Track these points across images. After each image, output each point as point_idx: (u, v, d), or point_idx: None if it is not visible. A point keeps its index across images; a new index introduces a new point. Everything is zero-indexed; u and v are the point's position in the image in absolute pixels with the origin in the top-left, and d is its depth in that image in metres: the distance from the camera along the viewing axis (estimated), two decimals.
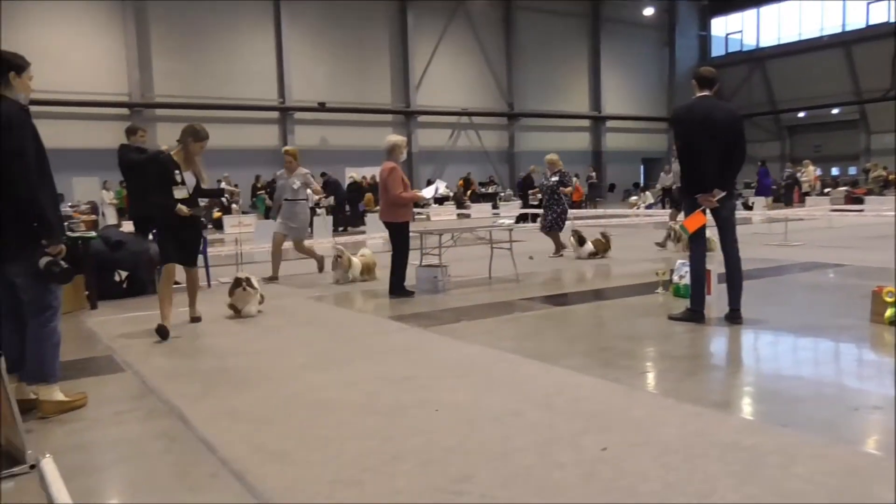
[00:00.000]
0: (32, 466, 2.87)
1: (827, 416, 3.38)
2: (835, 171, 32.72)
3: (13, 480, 2.88)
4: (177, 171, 5.75)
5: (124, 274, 7.88)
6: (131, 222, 9.07)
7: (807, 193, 21.83)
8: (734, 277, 5.52)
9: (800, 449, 2.92)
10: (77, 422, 3.62)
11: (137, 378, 4.43)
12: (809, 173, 23.29)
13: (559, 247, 10.71)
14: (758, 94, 36.07)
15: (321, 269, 9.03)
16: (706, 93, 5.49)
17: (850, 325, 5.32)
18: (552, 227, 10.64)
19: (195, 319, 6.14)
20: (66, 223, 6.98)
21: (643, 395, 3.80)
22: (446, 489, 2.63)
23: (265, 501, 2.61)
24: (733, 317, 5.49)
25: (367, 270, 8.53)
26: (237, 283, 6.43)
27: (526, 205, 18.34)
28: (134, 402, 3.96)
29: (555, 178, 10.59)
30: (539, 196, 10.84)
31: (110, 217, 18.79)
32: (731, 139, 5.34)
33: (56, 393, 3.73)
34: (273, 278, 8.55)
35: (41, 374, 3.68)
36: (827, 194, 21.78)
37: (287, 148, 9.21)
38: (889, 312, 5.17)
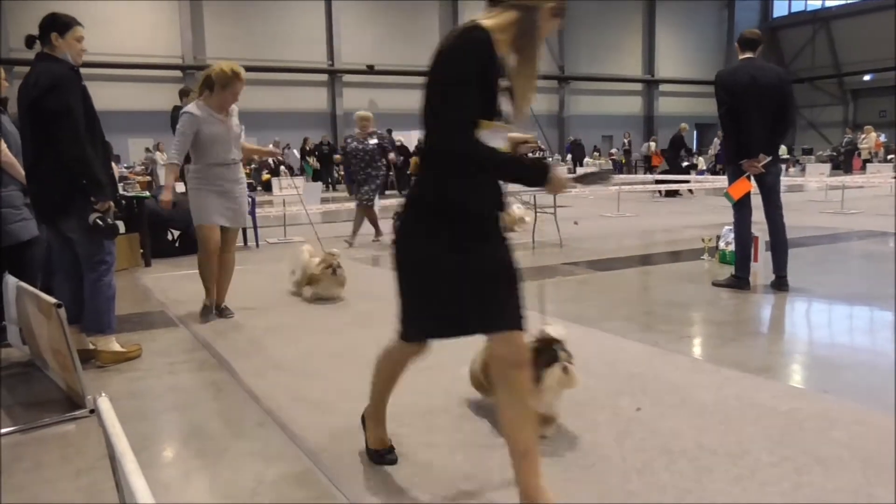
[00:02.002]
0: (92, 411, 3.06)
1: (869, 384, 3.32)
2: None
3: (74, 423, 3.08)
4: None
5: (176, 233, 8.14)
6: (182, 183, 9.31)
7: (868, 160, 20.93)
8: (779, 244, 5.41)
9: (838, 414, 2.89)
10: (132, 371, 3.81)
11: (189, 333, 4.62)
12: (871, 139, 22.30)
13: (377, 229, 8.84)
14: (821, 56, 34.46)
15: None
16: (749, 55, 5.33)
17: None
18: (369, 202, 8.63)
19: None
20: (121, 184, 7.23)
21: (682, 359, 3.79)
22: (480, 443, 2.69)
23: (307, 449, 2.72)
24: (779, 284, 5.39)
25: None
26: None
27: (678, 170, 16.61)
28: (185, 355, 4.13)
29: (372, 142, 8.53)
30: (352, 163, 8.54)
31: (163, 178, 19.30)
32: (779, 102, 5.18)
33: (113, 344, 3.93)
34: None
35: (98, 326, 3.87)
36: (890, 161, 20.84)
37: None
38: None
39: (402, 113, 25.99)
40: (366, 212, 8.62)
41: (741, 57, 5.37)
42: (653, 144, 27.27)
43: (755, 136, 5.20)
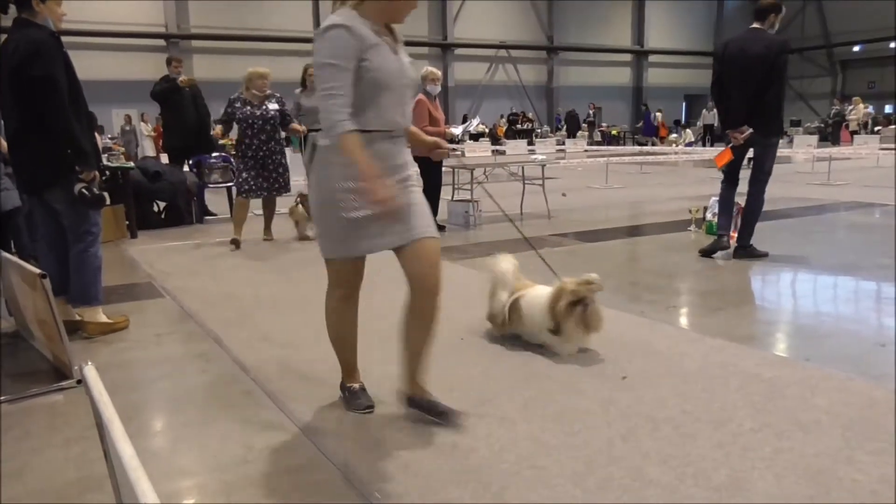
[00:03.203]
0: (79, 381, 3.06)
1: (852, 352, 3.37)
2: (888, 108, 31.26)
3: (62, 394, 3.08)
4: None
5: (162, 204, 8.07)
6: (165, 154, 9.21)
7: (855, 132, 21.01)
8: (747, 214, 5.54)
9: (820, 382, 2.94)
10: (119, 342, 3.80)
11: (176, 304, 4.60)
12: (859, 111, 22.33)
13: (268, 224, 7.04)
14: (811, 26, 34.31)
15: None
16: (756, 24, 5.34)
17: (887, 264, 5.22)
18: (282, 189, 6.78)
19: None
20: (105, 154, 7.13)
21: (668, 328, 3.83)
22: (468, 412, 2.72)
23: (296, 418, 2.73)
24: (738, 253, 5.53)
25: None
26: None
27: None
28: (173, 326, 4.13)
29: (273, 107, 6.62)
30: (246, 136, 6.54)
31: (148, 149, 19.07)
32: (764, 73, 5.14)
33: (99, 315, 3.92)
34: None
35: (85, 297, 3.85)
36: (877, 133, 20.92)
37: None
38: None
39: None
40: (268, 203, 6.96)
41: (750, 27, 5.40)
42: (659, 115, 27.19)
43: (735, 107, 5.27)
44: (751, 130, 5.24)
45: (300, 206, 6.88)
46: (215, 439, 2.60)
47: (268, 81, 6.67)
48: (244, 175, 6.54)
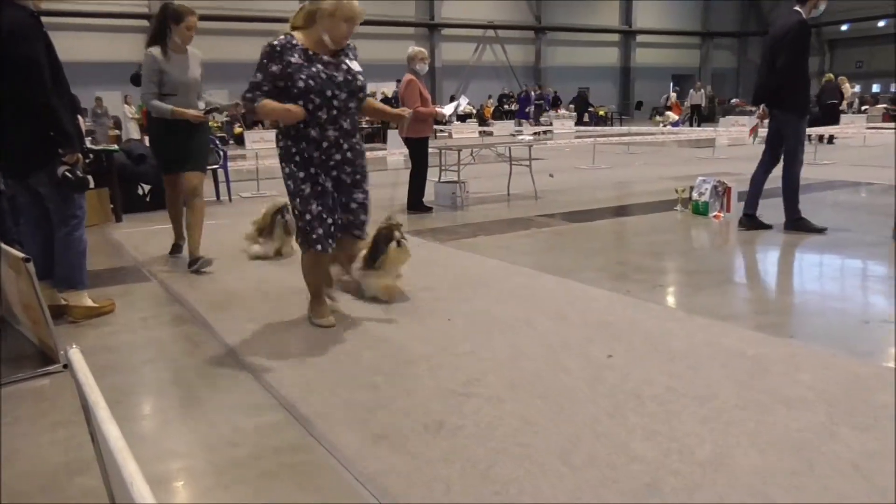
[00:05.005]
0: (65, 366, 3.04)
1: (836, 329, 3.42)
2: (876, 87, 31.39)
3: (48, 378, 3.06)
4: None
5: (147, 187, 7.99)
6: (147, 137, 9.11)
7: (842, 111, 21.07)
8: (783, 191, 5.75)
9: (805, 359, 2.97)
10: (106, 326, 3.78)
11: (162, 287, 4.58)
12: (846, 90, 22.38)
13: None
14: None
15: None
16: (796, 6, 5.46)
17: (871, 241, 5.28)
18: (364, 226, 4.29)
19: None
20: (88, 137, 7.05)
21: (654, 307, 3.85)
22: (455, 391, 2.73)
23: (284, 399, 2.74)
24: (787, 226, 5.75)
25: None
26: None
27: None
28: (159, 309, 4.11)
29: (357, 67, 3.59)
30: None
31: (133, 132, 18.83)
32: (781, 52, 5.35)
33: (85, 299, 3.89)
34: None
35: (70, 281, 3.82)
36: (864, 112, 21.01)
37: None
38: None
39: (376, 63, 25.52)
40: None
41: (792, 8, 5.55)
42: (674, 95, 27.09)
43: (757, 85, 5.67)
44: (762, 107, 5.62)
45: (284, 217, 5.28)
46: (203, 421, 2.60)
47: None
48: (312, 206, 3.41)
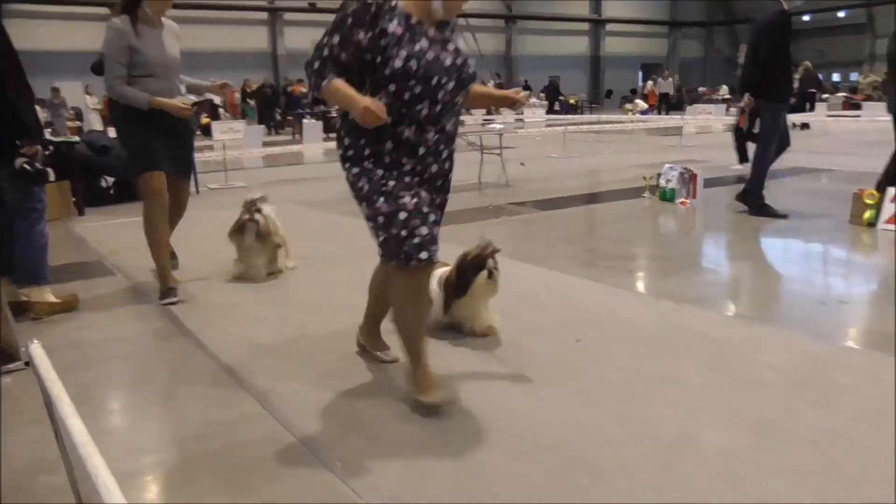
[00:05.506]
0: (27, 363, 2.98)
1: (797, 311, 3.51)
2: (836, 76, 32.07)
3: (10, 376, 3.00)
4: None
5: (111, 180, 7.83)
6: (114, 128, 8.92)
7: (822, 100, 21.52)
8: (751, 175, 5.89)
9: (766, 340, 3.05)
10: (70, 321, 3.71)
11: (128, 281, 4.51)
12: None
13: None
14: None
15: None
16: None
17: (829, 226, 5.42)
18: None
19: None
20: (47, 129, 6.88)
21: (623, 292, 3.90)
22: None
23: (255, 391, 2.72)
24: (751, 211, 5.86)
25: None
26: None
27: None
28: (126, 304, 4.04)
29: (462, 45, 2.98)
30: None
31: (94, 123, 18.42)
32: (761, 42, 5.49)
33: (47, 294, 3.81)
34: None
35: (31, 277, 3.74)
36: (825, 100, 21.45)
37: None
38: (868, 214, 5.24)
39: None
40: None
41: None
42: (650, 83, 27.23)
43: (742, 75, 5.84)
44: (747, 96, 5.69)
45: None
46: (173, 416, 2.57)
47: None
48: (406, 198, 2.41)
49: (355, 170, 2.44)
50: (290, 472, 2.15)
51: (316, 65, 2.35)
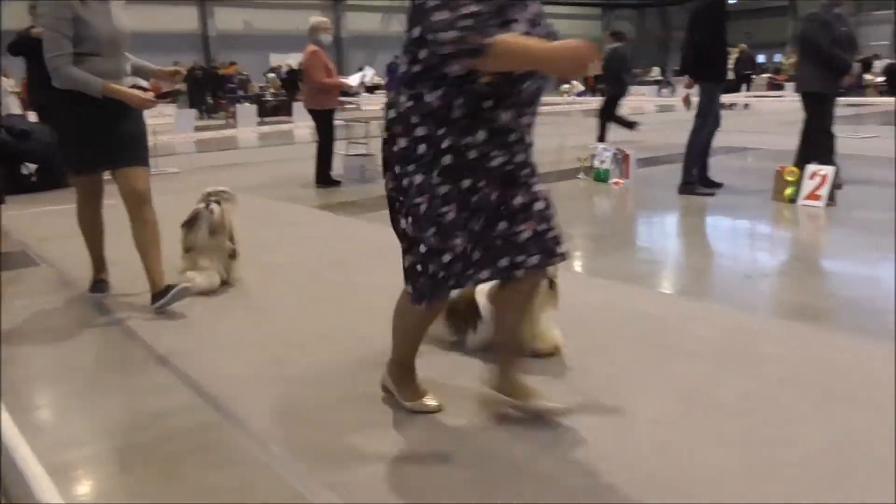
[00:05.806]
0: None
1: (722, 285, 3.67)
2: (761, 58, 33.20)
3: None
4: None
5: (33, 167, 7.46)
6: (34, 112, 8.50)
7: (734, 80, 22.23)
8: (685, 153, 6.07)
9: (694, 313, 3.18)
10: None
11: (54, 271, 4.33)
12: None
13: None
14: None
15: None
16: None
17: (753, 203, 5.66)
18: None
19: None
20: None
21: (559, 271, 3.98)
22: (369, 361, 2.74)
23: (189, 380, 2.67)
24: (680, 189, 6.01)
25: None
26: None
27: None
28: (51, 295, 3.89)
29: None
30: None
31: (13, 107, 17.46)
32: (696, 27, 5.71)
33: None
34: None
35: None
36: (752, 80, 22.20)
37: None
38: (789, 190, 5.49)
39: (280, 34, 24.71)
40: None
41: None
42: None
43: (682, 57, 5.96)
44: (687, 77, 5.92)
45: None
46: (105, 407, 2.50)
47: None
48: (457, 240, 2.08)
49: (418, 178, 2.02)
50: (227, 458, 2.13)
51: (468, 23, 1.84)
